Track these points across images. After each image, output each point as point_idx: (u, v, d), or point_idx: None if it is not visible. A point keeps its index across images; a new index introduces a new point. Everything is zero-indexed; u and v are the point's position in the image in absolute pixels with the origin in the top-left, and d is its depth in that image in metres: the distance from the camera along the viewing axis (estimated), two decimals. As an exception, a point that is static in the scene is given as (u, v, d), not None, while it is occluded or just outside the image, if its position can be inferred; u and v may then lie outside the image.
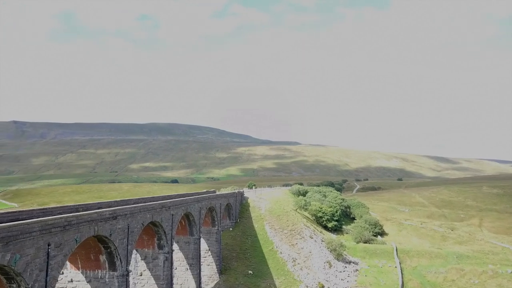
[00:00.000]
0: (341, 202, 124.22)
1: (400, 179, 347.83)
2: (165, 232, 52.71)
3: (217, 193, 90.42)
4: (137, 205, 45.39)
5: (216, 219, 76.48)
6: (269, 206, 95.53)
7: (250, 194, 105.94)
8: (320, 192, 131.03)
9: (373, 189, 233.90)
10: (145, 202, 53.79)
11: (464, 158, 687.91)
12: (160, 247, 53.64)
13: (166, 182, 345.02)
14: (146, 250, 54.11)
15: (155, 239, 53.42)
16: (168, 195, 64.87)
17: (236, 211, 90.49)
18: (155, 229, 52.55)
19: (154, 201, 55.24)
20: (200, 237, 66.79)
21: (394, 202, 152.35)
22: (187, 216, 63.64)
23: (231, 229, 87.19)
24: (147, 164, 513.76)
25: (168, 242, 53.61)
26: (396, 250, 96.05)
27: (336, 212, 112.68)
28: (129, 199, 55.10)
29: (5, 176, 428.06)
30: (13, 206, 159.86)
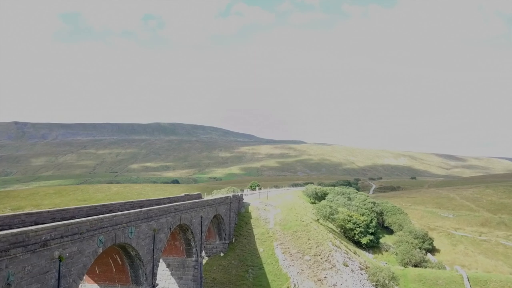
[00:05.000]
0: (372, 207, 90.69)
1: (414, 178, 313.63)
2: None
3: (204, 199, 57.63)
4: None
5: (193, 244, 43.40)
6: (280, 216, 62.12)
7: (253, 198, 72.81)
8: (343, 194, 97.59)
9: (392, 188, 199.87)
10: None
11: (473, 156, 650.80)
12: None
13: (166, 182, 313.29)
14: None
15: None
16: (82, 207, 31.90)
17: (231, 225, 57.20)
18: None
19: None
20: (154, 286, 33.58)
21: (431, 205, 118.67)
22: (123, 249, 30.71)
23: (222, 254, 54.03)
24: (148, 164, 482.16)
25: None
26: (468, 279, 62.60)
27: (371, 222, 79.16)
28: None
29: (2, 177, 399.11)
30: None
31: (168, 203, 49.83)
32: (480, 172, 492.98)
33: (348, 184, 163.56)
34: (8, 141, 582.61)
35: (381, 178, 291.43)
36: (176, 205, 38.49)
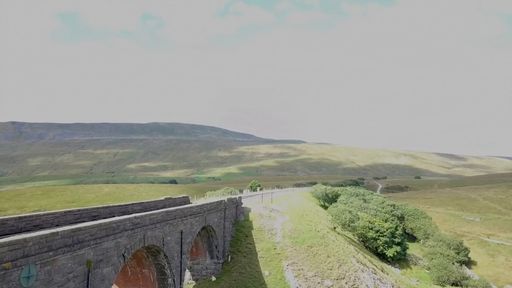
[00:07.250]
0: (391, 211, 76.43)
1: (418, 177, 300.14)
2: None
3: (187, 205, 43.50)
4: None
5: (168, 272, 29.01)
6: (289, 225, 47.67)
7: (254, 202, 58.44)
8: (357, 196, 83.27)
9: (400, 188, 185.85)
10: None
11: (473, 155, 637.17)
12: None
13: (164, 182, 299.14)
14: None
15: None
16: None
17: (225, 239, 42.74)
18: None
19: None
20: None
21: (452, 207, 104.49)
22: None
23: (213, 278, 39.59)
24: (146, 164, 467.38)
25: None
26: (527, 305, 48.41)
27: (396, 229, 64.82)
28: None
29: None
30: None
31: (140, 210, 35.58)
32: (482, 171, 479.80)
33: (356, 183, 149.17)
34: (5, 141, 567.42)
35: (385, 178, 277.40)
36: (136, 217, 24.01)
